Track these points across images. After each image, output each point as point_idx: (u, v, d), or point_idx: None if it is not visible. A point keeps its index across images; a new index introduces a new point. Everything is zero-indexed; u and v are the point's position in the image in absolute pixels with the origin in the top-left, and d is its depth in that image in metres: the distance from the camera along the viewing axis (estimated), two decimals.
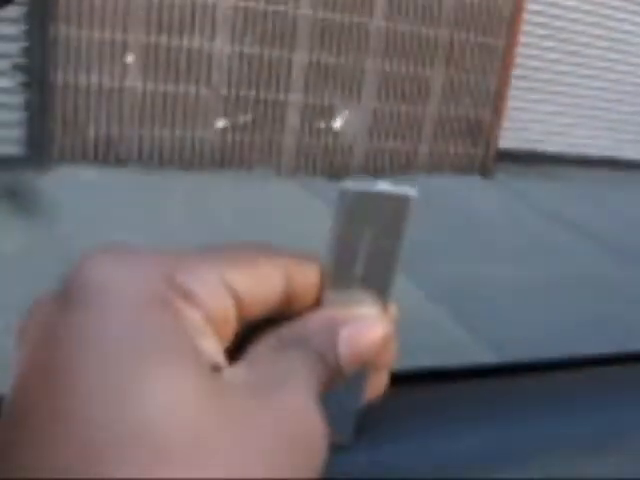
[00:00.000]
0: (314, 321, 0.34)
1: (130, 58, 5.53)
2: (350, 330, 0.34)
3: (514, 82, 7.33)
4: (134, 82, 5.62)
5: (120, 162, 5.66)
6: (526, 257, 5.29)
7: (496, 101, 7.20)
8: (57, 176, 5.24)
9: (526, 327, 4.11)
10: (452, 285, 4.63)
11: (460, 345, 3.88)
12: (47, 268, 3.76)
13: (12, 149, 5.33)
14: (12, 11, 5.07)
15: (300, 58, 6.20)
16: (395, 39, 6.53)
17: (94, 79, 5.48)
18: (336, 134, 6.47)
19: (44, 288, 0.32)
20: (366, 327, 0.34)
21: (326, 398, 0.32)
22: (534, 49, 7.55)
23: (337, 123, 6.45)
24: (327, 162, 6.49)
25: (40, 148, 5.41)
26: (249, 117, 6.08)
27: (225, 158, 6.11)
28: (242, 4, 5.85)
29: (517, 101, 7.52)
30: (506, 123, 7.42)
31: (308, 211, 5.56)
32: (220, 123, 5.97)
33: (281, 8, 5.99)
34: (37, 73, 5.30)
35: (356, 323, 0.34)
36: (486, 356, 3.74)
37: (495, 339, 3.93)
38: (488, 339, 3.93)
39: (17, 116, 5.36)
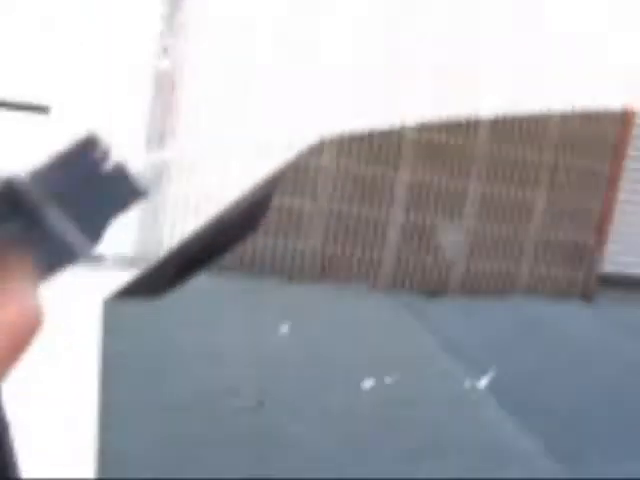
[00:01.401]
0: None
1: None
2: None
3: (617, 206, 7.24)
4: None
5: (222, 269, 5.81)
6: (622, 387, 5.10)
7: (600, 225, 7.10)
8: None
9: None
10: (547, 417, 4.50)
11: None
12: None
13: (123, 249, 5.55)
14: None
15: (403, 177, 6.31)
16: (498, 161, 6.59)
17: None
18: (435, 253, 6.50)
19: None
20: None
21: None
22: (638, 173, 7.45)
23: (437, 242, 6.48)
24: (425, 280, 6.50)
25: None
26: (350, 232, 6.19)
27: (324, 271, 6.20)
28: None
29: (620, 225, 7.40)
30: (609, 247, 7.30)
31: (402, 328, 5.54)
32: None
33: (386, 128, 6.16)
34: None
35: None
36: None
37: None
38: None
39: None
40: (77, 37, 4.95)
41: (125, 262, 5.37)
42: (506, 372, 4.98)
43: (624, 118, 6.98)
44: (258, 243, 5.97)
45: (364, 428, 3.92)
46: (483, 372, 4.85)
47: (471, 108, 6.36)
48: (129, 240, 5.51)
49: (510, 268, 6.81)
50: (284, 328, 5.02)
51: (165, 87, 5.45)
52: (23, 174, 0.31)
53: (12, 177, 0.30)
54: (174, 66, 5.46)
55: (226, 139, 5.62)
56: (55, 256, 0.36)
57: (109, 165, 0.33)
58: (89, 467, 3.04)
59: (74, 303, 4.06)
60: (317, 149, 5.99)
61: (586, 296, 7.11)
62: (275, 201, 5.92)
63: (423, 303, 6.22)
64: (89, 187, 0.32)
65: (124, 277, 3.68)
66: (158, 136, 5.38)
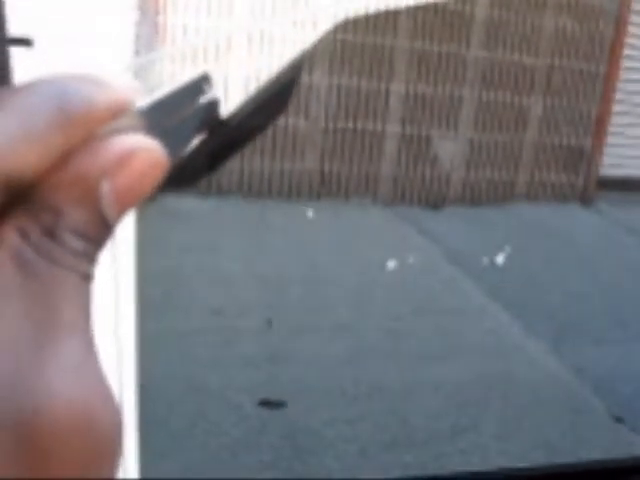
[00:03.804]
0: (63, 180, 0.26)
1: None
2: (113, 179, 0.27)
3: (615, 107, 7.17)
4: None
5: (221, 193, 5.79)
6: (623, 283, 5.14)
7: (597, 128, 7.05)
8: (160, 207, 5.38)
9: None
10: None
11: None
12: (152, 298, 3.88)
13: None
14: None
15: (397, 89, 6.22)
16: (493, 68, 6.49)
17: None
18: (433, 164, 6.46)
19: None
20: (130, 166, 0.27)
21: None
22: (634, 73, 7.36)
23: (434, 153, 6.44)
24: (424, 192, 6.48)
25: None
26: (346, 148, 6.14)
27: (323, 188, 6.18)
28: (340, 37, 5.92)
29: (617, 127, 7.35)
30: (607, 150, 7.26)
31: (403, 241, 5.55)
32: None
33: (378, 40, 6.04)
34: None
35: (119, 165, 0.27)
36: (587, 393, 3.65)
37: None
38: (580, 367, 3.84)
39: None
40: None
41: None
42: (509, 277, 5.01)
43: (619, 18, 6.85)
44: (255, 165, 5.93)
45: (372, 339, 3.96)
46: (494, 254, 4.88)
47: None
48: None
49: (509, 176, 6.79)
50: (287, 247, 5.03)
51: (150, 9, 5.32)
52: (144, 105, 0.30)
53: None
54: None
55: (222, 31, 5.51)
56: None
57: (205, 99, 0.33)
58: None
59: None
60: (308, 66, 5.89)
61: (585, 200, 7.10)
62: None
63: (424, 215, 6.22)
64: (183, 116, 0.32)
65: None
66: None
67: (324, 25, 5.85)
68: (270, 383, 3.41)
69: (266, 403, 3.24)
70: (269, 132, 5.89)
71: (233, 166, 5.85)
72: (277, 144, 5.98)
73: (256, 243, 5.08)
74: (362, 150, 6.24)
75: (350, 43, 5.98)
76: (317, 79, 5.96)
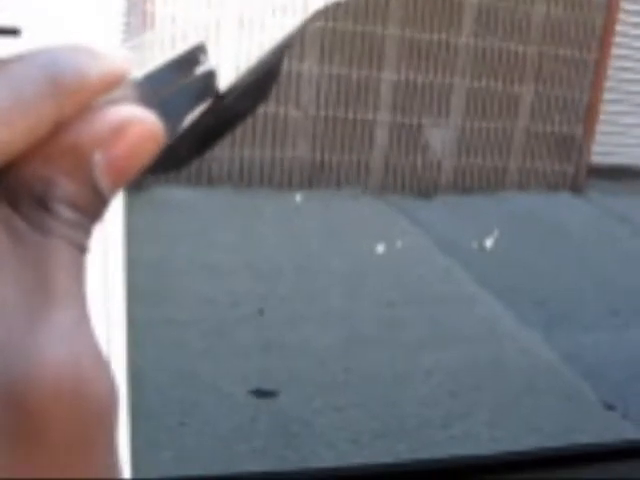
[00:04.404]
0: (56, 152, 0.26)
1: None
2: (107, 150, 0.26)
3: (605, 95, 7.17)
4: None
5: (211, 183, 5.77)
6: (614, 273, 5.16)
7: (588, 116, 7.05)
8: (150, 196, 5.37)
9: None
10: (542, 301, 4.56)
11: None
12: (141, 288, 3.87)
13: None
14: None
15: (388, 77, 6.21)
16: (483, 56, 6.48)
17: None
18: (424, 152, 6.46)
19: None
20: (126, 137, 0.26)
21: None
22: (624, 61, 7.36)
23: (425, 141, 6.43)
24: (415, 180, 6.48)
25: None
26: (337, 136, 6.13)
27: (314, 177, 6.17)
28: (330, 25, 5.90)
29: (608, 115, 7.35)
30: (596, 138, 7.26)
31: (394, 229, 5.55)
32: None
33: (369, 28, 6.02)
34: None
35: (114, 136, 0.26)
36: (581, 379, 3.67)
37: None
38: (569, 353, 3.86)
39: None
40: None
41: None
42: (501, 265, 5.02)
43: (608, 4, 6.84)
44: (245, 154, 5.92)
45: (364, 328, 3.96)
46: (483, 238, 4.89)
47: None
48: None
49: (500, 163, 6.79)
50: (278, 236, 5.02)
51: None
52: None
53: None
54: None
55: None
56: None
57: (201, 70, 0.33)
58: None
59: None
60: (297, 54, 5.87)
61: (576, 188, 7.11)
62: (258, 110, 5.83)
63: (415, 203, 6.22)
64: (179, 87, 0.31)
65: None
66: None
67: (306, 11, 5.83)
68: (262, 372, 3.41)
69: (258, 392, 3.24)
70: (260, 121, 5.87)
71: (223, 155, 5.83)
72: (267, 133, 5.97)
73: (247, 232, 5.07)
74: (353, 138, 6.23)
75: (340, 31, 5.96)
76: (308, 67, 5.94)
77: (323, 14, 5.83)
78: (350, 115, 6.17)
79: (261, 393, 3.24)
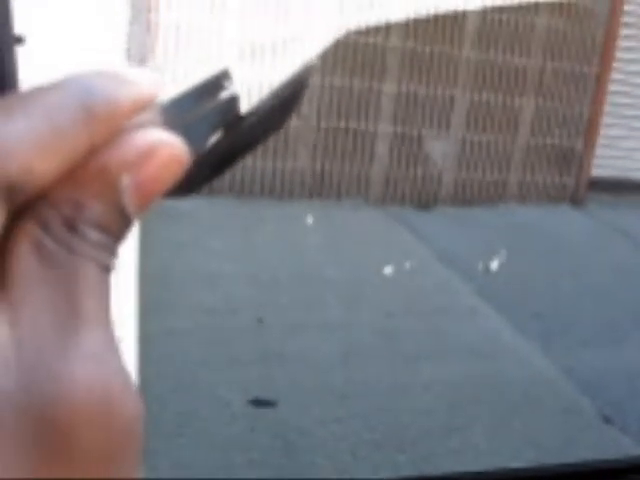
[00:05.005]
0: (84, 179, 0.27)
1: None
2: (134, 173, 0.27)
3: (606, 109, 7.19)
4: None
5: (212, 193, 5.78)
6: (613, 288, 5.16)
7: (588, 129, 7.07)
8: (150, 206, 5.36)
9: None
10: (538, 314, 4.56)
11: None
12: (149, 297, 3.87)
13: None
14: None
15: (389, 89, 6.23)
16: (484, 69, 6.51)
17: None
18: (425, 164, 6.47)
19: None
20: (153, 161, 0.27)
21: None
22: (622, 74, 7.38)
23: (426, 153, 6.44)
24: (415, 192, 6.49)
25: None
26: (338, 147, 6.14)
27: (315, 188, 6.18)
28: (332, 36, 5.92)
29: (608, 128, 7.37)
30: (597, 151, 7.28)
31: (394, 241, 5.56)
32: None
33: (371, 40, 6.05)
34: None
35: (141, 160, 0.27)
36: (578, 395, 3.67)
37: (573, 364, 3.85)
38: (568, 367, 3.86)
39: None
40: None
41: None
42: (499, 278, 5.02)
43: (610, 18, 6.87)
44: (247, 165, 5.93)
45: (363, 339, 3.96)
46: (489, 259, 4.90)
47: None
48: None
49: (500, 176, 6.80)
50: (279, 246, 5.03)
51: (142, 7, 5.31)
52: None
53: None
54: None
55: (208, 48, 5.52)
56: None
57: (225, 95, 0.34)
58: None
59: None
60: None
61: (576, 201, 7.13)
62: None
63: (415, 215, 6.23)
64: (203, 112, 0.33)
65: None
66: (138, 57, 5.26)
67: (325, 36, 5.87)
68: (261, 382, 3.41)
69: (257, 402, 3.24)
70: None
71: None
72: (269, 143, 5.98)
73: (248, 242, 5.08)
74: (354, 150, 6.25)
75: (342, 43, 5.98)
76: (310, 78, 5.95)
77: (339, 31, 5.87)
78: (351, 126, 6.19)
79: (260, 403, 3.24)
